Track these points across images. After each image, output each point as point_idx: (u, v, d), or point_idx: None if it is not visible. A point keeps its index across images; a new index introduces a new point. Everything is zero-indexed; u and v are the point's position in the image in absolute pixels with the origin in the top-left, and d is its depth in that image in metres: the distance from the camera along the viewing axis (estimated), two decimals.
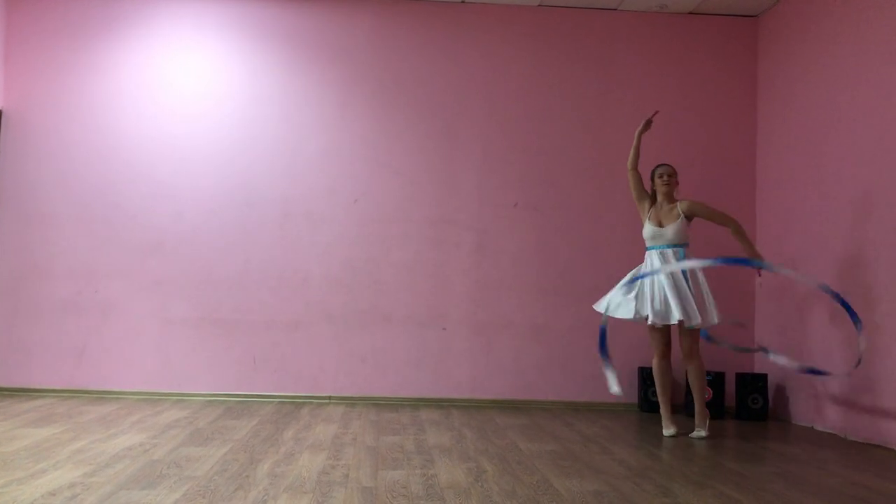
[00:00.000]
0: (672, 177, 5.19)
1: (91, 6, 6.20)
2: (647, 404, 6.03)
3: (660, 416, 5.21)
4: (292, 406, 5.79)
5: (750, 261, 4.98)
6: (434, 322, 6.21)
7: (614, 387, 4.59)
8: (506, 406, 6.10)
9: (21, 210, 6.07)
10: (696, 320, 4.89)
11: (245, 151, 6.22)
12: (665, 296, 4.95)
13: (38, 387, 5.94)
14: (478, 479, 3.61)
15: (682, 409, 5.87)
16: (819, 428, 5.45)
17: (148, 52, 6.23)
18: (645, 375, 6.06)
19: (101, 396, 5.90)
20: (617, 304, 5.04)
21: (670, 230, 5.09)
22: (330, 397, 6.09)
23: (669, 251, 5.07)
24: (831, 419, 5.33)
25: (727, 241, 5.39)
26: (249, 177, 6.21)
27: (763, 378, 5.87)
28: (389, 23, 6.36)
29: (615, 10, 6.43)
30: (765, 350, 5.63)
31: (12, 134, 6.09)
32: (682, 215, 5.11)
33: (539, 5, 6.39)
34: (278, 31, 6.30)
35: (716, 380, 5.90)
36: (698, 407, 5.06)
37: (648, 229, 5.15)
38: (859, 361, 4.72)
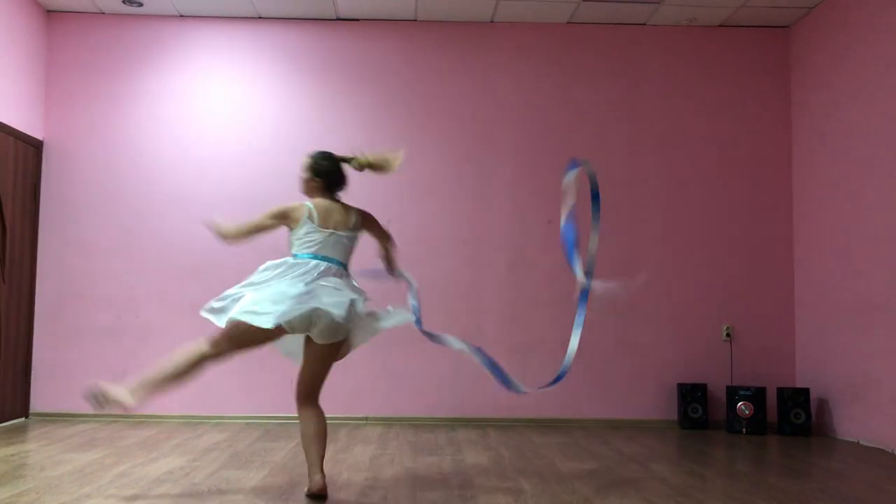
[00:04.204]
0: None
1: (128, 37, 6.33)
2: (688, 421, 5.95)
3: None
4: (329, 427, 5.78)
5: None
6: (469, 341, 6.18)
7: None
8: (543, 425, 6.06)
9: (62, 237, 6.19)
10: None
11: (278, 175, 6.28)
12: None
13: (80, 412, 6.02)
14: (517, 500, 3.59)
15: (728, 426, 5.78)
16: (865, 443, 5.33)
17: (183, 79, 6.34)
18: (685, 392, 5.99)
19: (143, 420, 5.97)
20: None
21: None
22: (367, 418, 6.10)
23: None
24: (878, 433, 5.21)
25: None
26: (283, 200, 6.25)
27: (805, 392, 5.77)
28: (419, 43, 6.41)
29: (644, 24, 6.42)
30: None
31: (54, 164, 6.23)
32: None
33: (568, 22, 6.40)
34: (310, 56, 6.38)
35: (756, 395, 5.81)
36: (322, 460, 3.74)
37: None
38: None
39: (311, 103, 6.36)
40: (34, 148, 6.11)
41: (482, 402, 6.14)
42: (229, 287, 6.42)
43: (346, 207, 3.89)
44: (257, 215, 3.89)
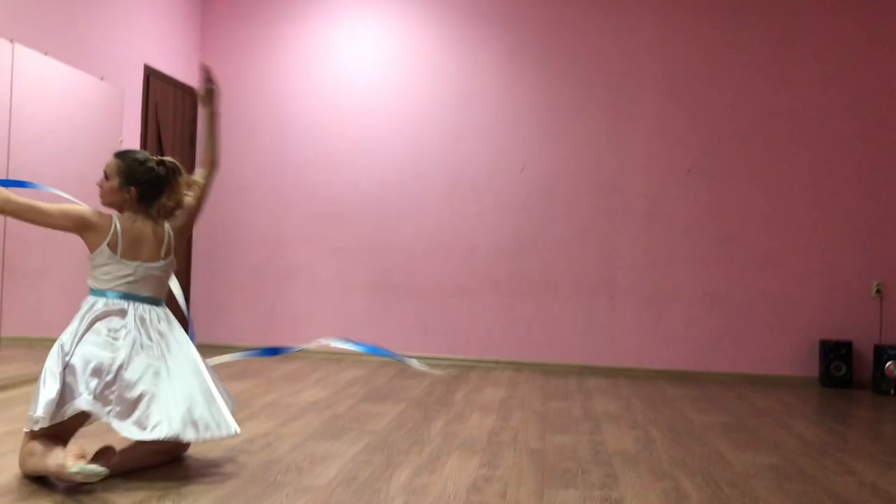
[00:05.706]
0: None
1: None
2: (829, 379, 5.73)
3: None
4: (461, 369, 5.99)
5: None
6: (601, 291, 6.18)
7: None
8: (676, 377, 6.00)
9: (217, 183, 6.53)
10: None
11: (415, 125, 6.40)
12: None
13: (234, 344, 6.45)
14: (646, 447, 3.61)
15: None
16: None
17: (326, 31, 6.53)
18: (828, 349, 5.76)
19: (289, 356, 6.34)
20: None
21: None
22: (497, 362, 6.23)
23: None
24: None
25: None
26: (419, 150, 6.39)
27: None
28: None
29: None
30: None
31: None
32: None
33: None
34: (447, 4, 6.40)
35: None
36: None
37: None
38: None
39: (448, 53, 6.39)
40: (190, 96, 6.49)
41: (613, 350, 6.13)
42: (366, 232, 6.60)
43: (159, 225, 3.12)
44: (46, 204, 2.86)
